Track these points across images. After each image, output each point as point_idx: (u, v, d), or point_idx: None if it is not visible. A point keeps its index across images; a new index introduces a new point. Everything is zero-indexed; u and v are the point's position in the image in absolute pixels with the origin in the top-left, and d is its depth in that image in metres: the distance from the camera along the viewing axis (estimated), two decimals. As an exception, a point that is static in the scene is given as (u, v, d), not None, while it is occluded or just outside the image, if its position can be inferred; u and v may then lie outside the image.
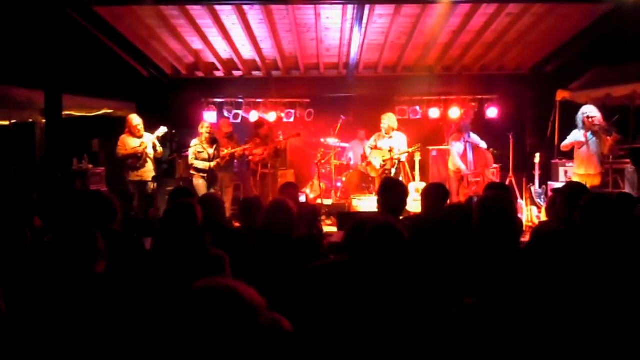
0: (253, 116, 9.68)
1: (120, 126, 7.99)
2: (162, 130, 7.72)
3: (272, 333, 1.49)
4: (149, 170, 7.63)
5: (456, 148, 8.50)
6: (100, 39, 7.88)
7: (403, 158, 8.32)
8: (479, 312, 2.14)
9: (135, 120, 7.60)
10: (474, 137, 8.55)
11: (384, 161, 8.21)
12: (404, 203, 3.97)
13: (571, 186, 4.44)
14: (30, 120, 8.07)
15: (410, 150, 8.25)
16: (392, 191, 3.88)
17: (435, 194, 4.38)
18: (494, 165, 8.73)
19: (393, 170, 8.24)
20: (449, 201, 5.90)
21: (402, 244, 2.52)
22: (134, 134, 7.56)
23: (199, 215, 3.13)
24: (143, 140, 7.55)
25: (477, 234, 2.63)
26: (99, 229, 2.93)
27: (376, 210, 4.28)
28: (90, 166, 8.33)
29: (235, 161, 9.03)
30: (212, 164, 8.00)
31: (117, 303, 2.31)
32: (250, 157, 8.80)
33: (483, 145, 8.55)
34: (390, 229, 2.54)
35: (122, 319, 2.25)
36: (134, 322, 2.25)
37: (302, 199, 8.42)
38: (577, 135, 7.24)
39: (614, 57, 8.44)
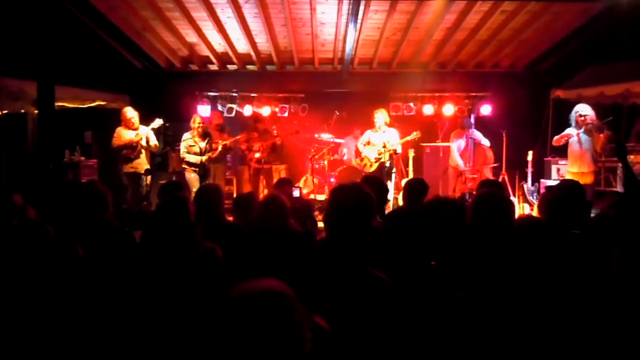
0: (247, 110, 9.66)
1: (113, 118, 7.95)
2: (158, 122, 7.70)
3: (315, 326, 1.46)
4: (143, 163, 7.61)
5: (457, 144, 8.54)
6: (94, 30, 7.84)
7: (399, 149, 8.34)
8: (470, 307, 2.14)
9: (130, 112, 7.58)
10: (477, 134, 8.57)
11: (379, 154, 8.24)
12: (384, 201, 3.95)
13: (565, 184, 4.46)
14: (22, 111, 8.00)
15: (409, 138, 8.28)
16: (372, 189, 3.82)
17: (415, 188, 4.45)
18: (493, 164, 8.74)
19: (388, 163, 8.29)
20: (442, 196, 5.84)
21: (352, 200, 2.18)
22: (129, 126, 7.54)
23: (192, 209, 3.12)
24: (138, 132, 7.54)
25: (470, 229, 2.63)
26: (91, 219, 2.93)
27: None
28: (83, 158, 8.29)
29: (229, 155, 9.01)
30: (204, 157, 7.97)
31: (99, 293, 2.29)
32: (247, 152, 8.78)
33: (485, 142, 8.58)
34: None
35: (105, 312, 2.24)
36: (118, 314, 2.24)
37: (296, 194, 8.42)
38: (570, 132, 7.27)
39: (608, 55, 8.48)
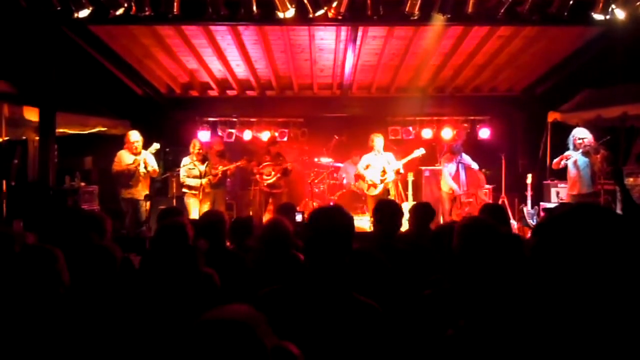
0: (247, 135, 9.72)
1: (113, 144, 7.99)
2: (154, 146, 7.74)
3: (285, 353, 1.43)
4: (141, 189, 7.62)
5: (448, 169, 8.56)
6: (95, 57, 7.92)
7: (402, 169, 8.40)
8: (469, 335, 2.10)
9: (134, 136, 7.62)
10: (466, 158, 8.61)
11: (382, 175, 8.28)
12: (399, 224, 3.91)
13: (564, 207, 4.45)
14: (24, 137, 8.05)
15: (413, 155, 8.35)
16: (389, 213, 3.79)
17: (422, 213, 4.43)
18: (486, 186, 8.77)
19: (390, 185, 8.36)
20: (441, 221, 5.86)
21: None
22: (131, 150, 7.58)
23: (190, 234, 3.12)
24: (136, 158, 7.57)
25: (458, 257, 2.58)
26: (88, 246, 2.92)
27: (368, 229, 4.24)
28: (83, 184, 8.29)
29: (229, 180, 9.02)
30: (204, 180, 8.00)
31: (92, 322, 2.27)
32: (257, 176, 8.75)
33: (475, 166, 8.62)
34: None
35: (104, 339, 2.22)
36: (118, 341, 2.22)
37: (299, 218, 8.40)
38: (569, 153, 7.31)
39: (604, 79, 8.55)
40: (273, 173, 8.67)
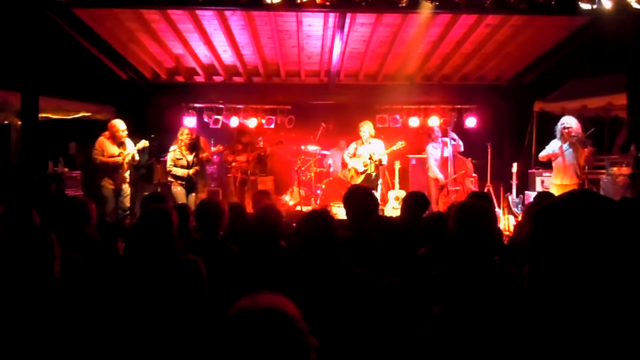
0: (233, 122, 9.65)
1: (98, 129, 7.88)
2: (143, 143, 7.66)
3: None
4: (124, 179, 7.55)
5: (433, 155, 8.55)
6: (79, 41, 7.79)
7: (385, 160, 8.36)
8: (446, 322, 2.10)
9: (121, 125, 7.51)
10: (451, 137, 8.57)
11: (365, 165, 8.27)
12: (372, 214, 3.82)
13: (542, 196, 4.50)
14: (6, 122, 7.93)
15: (394, 148, 8.32)
16: (357, 201, 3.71)
17: (416, 202, 4.42)
18: (473, 175, 8.80)
19: (374, 175, 8.33)
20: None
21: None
22: (117, 139, 7.47)
23: (174, 221, 3.09)
24: (122, 151, 7.47)
25: (451, 241, 2.61)
26: (73, 232, 2.89)
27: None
28: (66, 170, 8.19)
29: (214, 167, 8.99)
30: (191, 171, 7.87)
31: (80, 308, 2.24)
32: (233, 164, 8.76)
33: (459, 142, 8.61)
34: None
35: (87, 326, 2.20)
36: (102, 328, 2.20)
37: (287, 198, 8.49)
38: (554, 146, 7.34)
39: (590, 69, 8.60)
40: (247, 160, 8.74)
